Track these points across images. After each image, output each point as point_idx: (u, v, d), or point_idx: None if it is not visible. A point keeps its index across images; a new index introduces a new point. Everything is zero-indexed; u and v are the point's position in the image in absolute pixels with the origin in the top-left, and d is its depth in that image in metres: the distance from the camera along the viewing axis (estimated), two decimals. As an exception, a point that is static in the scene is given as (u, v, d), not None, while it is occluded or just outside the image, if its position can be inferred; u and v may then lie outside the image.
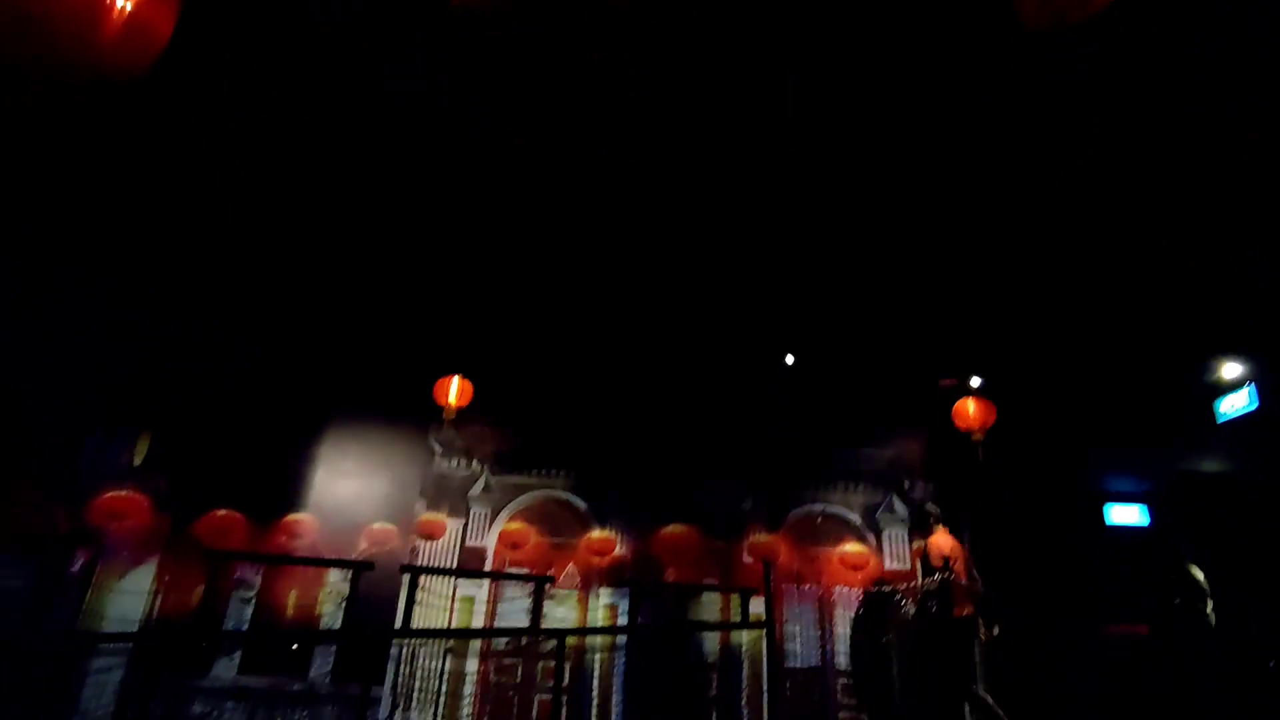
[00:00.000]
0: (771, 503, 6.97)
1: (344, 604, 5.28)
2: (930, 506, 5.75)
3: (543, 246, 5.77)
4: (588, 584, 6.81)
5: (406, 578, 5.56)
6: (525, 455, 7.21)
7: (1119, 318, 6.37)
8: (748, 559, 6.85)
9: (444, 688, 6.13)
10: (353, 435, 7.45)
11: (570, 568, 6.86)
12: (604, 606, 6.70)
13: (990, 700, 4.68)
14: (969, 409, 6.59)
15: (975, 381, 6.54)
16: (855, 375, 6.87)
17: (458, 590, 6.69)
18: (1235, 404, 6.33)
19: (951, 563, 5.30)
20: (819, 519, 6.97)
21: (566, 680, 6.00)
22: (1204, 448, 7.07)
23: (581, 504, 7.12)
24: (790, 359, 6.26)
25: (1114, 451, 7.19)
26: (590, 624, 6.58)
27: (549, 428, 7.15)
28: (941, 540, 5.45)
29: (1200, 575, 5.73)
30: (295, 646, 6.59)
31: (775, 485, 6.94)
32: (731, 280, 6.02)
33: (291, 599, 6.72)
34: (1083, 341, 6.63)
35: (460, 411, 6.93)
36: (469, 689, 6.14)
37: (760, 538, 6.86)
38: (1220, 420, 6.47)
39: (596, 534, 6.93)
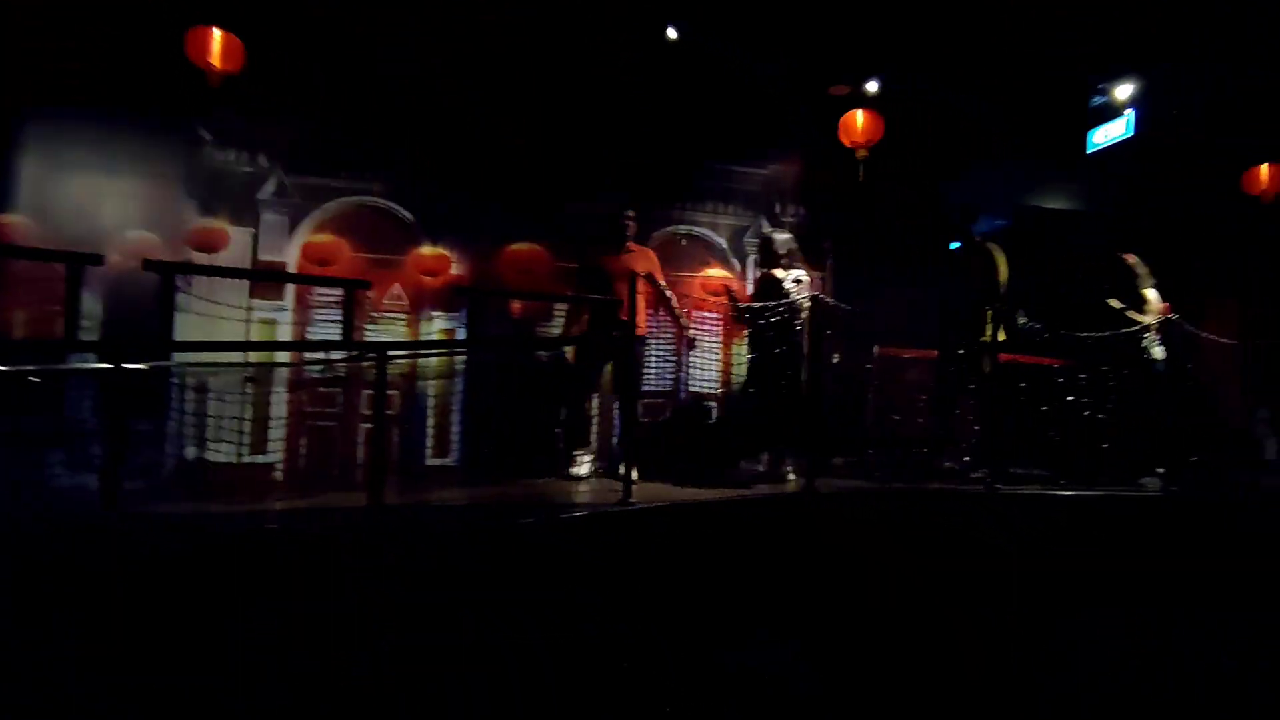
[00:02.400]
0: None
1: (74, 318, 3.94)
2: (779, 237, 5.25)
3: None
4: (418, 308, 5.86)
5: (162, 281, 4.19)
6: (332, 151, 5.66)
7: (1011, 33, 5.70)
8: (605, 281, 6.18)
9: (246, 423, 5.19)
10: (79, 115, 5.40)
11: (395, 288, 5.82)
12: (438, 332, 5.86)
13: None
14: (857, 121, 5.89)
15: (872, 87, 5.78)
16: (738, 72, 5.83)
17: (255, 313, 5.49)
18: (1110, 132, 6.15)
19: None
20: (683, 240, 6.32)
21: (396, 408, 5.32)
22: (1068, 179, 7.05)
23: (408, 215, 5.88)
24: (672, 33, 5.02)
25: (977, 179, 6.97)
26: (423, 351, 5.75)
27: (363, 115, 5.57)
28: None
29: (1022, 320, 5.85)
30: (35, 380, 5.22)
31: (640, 199, 6.08)
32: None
33: (20, 322, 5.19)
34: (974, 54, 5.97)
35: (233, 81, 5.16)
36: (277, 422, 5.26)
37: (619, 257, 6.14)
38: (1090, 150, 6.33)
39: (427, 250, 5.83)
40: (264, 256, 5.62)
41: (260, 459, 5.33)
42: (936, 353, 5.55)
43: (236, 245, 5.55)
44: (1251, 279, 7.43)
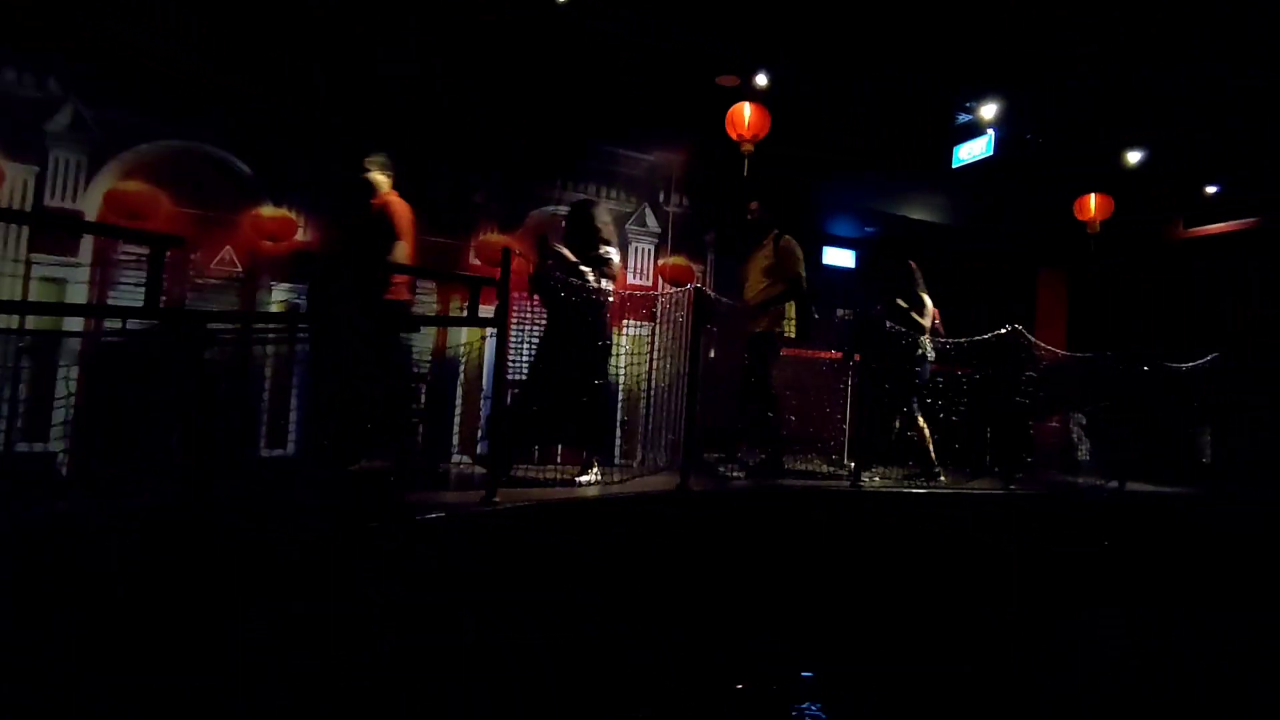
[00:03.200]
0: (508, 197, 5.73)
1: None
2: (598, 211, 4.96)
3: None
4: (255, 276, 5.09)
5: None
6: (149, 82, 4.77)
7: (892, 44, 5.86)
8: (475, 261, 5.69)
9: (22, 395, 4.25)
10: None
11: (226, 251, 5.01)
12: (276, 304, 5.12)
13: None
14: (744, 114, 5.80)
15: (761, 80, 5.70)
16: (629, 49, 5.56)
17: (34, 269, 4.51)
18: (973, 150, 6.50)
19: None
20: (563, 221, 5.95)
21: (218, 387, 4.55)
22: (932, 191, 7.40)
23: (244, 167, 5.09)
24: (560, -5, 4.64)
25: (850, 184, 7.17)
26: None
27: (196, 42, 4.73)
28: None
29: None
30: None
31: (515, 176, 5.66)
32: None
33: None
34: (856, 61, 6.08)
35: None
36: (64, 400, 4.34)
37: (492, 237, 5.68)
38: (954, 165, 6.66)
39: (268, 211, 5.08)
40: (52, 202, 4.64)
41: (39, 448, 4.40)
42: (812, 352, 5.59)
43: (14, 186, 4.54)
44: (1082, 296, 8.21)
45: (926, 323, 5.70)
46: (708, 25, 5.67)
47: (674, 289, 5.40)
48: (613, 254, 4.37)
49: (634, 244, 6.09)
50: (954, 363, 6.09)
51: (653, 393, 5.28)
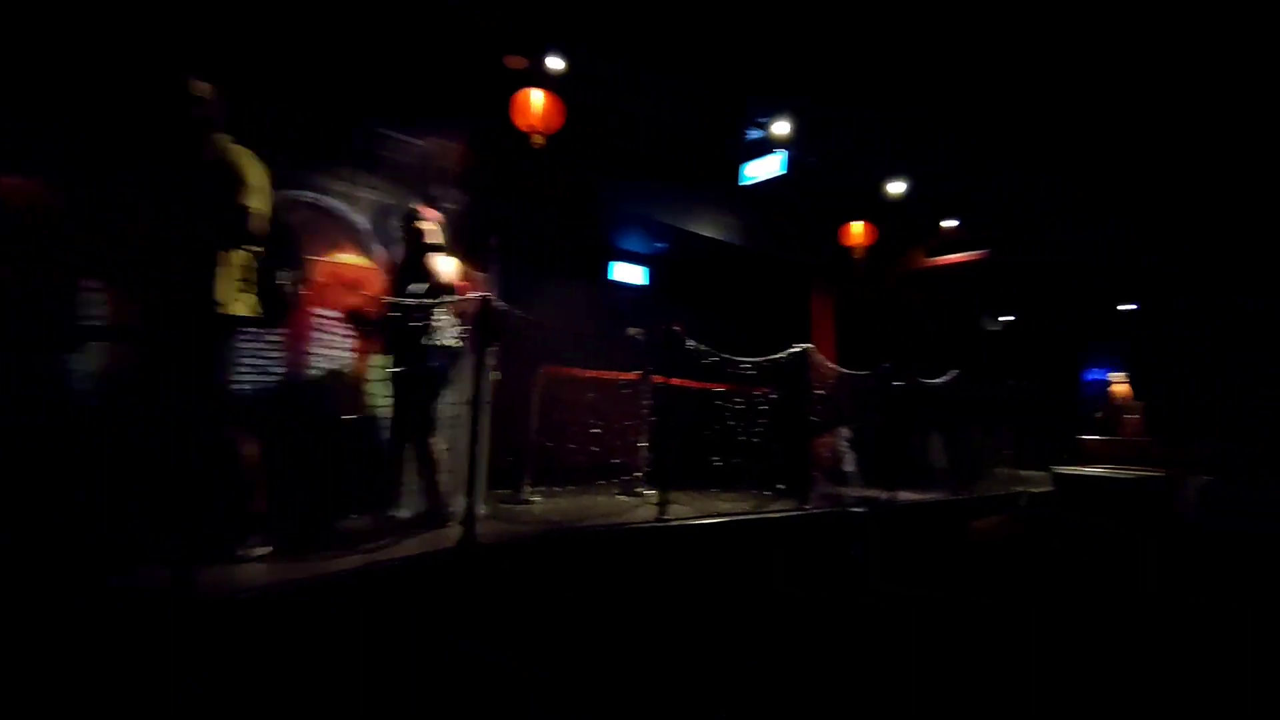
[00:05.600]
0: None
1: None
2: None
3: None
4: None
5: None
6: None
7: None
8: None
9: None
10: None
11: None
12: None
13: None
14: (535, 102, 5.13)
15: (554, 64, 5.06)
16: (398, 13, 4.61)
17: None
18: (763, 169, 6.49)
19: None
20: (311, 213, 4.75)
21: None
22: (720, 212, 7.31)
23: None
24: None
25: (633, 198, 6.82)
26: None
27: None
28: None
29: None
30: None
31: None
32: None
33: None
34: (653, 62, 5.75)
35: None
36: None
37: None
38: (742, 182, 6.61)
39: None
40: None
41: None
42: (616, 374, 5.03)
43: None
44: (847, 317, 8.74)
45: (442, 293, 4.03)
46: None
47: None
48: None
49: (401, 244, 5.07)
50: (751, 383, 5.96)
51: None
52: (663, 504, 4.55)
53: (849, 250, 8.06)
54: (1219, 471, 7.11)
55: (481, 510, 4.00)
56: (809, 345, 5.81)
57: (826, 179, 7.42)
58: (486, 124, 5.21)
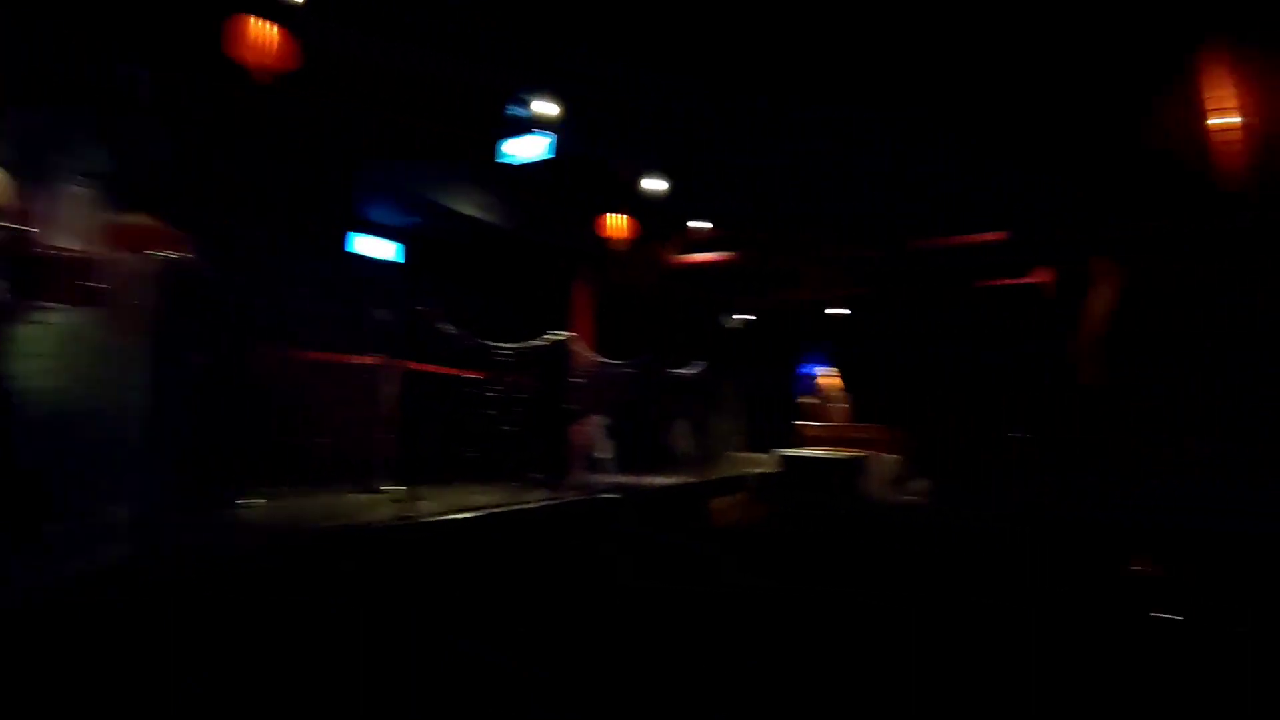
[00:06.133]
0: None
1: None
2: None
3: None
4: None
5: None
6: None
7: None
8: None
9: None
10: None
11: None
12: None
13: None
14: (258, 32, 4.36)
15: (286, -9, 4.27)
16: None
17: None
18: (525, 148, 6.24)
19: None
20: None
21: None
22: (481, 191, 6.88)
23: None
24: None
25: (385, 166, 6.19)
26: None
27: None
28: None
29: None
30: None
31: None
32: None
33: None
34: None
35: None
36: None
37: None
38: (500, 159, 6.29)
39: None
40: None
41: None
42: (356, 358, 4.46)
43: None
44: (606, 307, 8.85)
45: None
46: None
47: (136, 257, 3.60)
48: None
49: (63, 186, 3.93)
50: (509, 370, 5.72)
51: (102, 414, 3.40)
52: (407, 500, 4.13)
53: (610, 241, 8.17)
54: (903, 454, 8.54)
55: (171, 521, 3.24)
56: (570, 333, 5.73)
57: (592, 169, 7.43)
58: (195, 49, 4.27)
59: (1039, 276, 9.11)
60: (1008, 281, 9.23)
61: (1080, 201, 7.46)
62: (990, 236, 8.26)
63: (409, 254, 7.33)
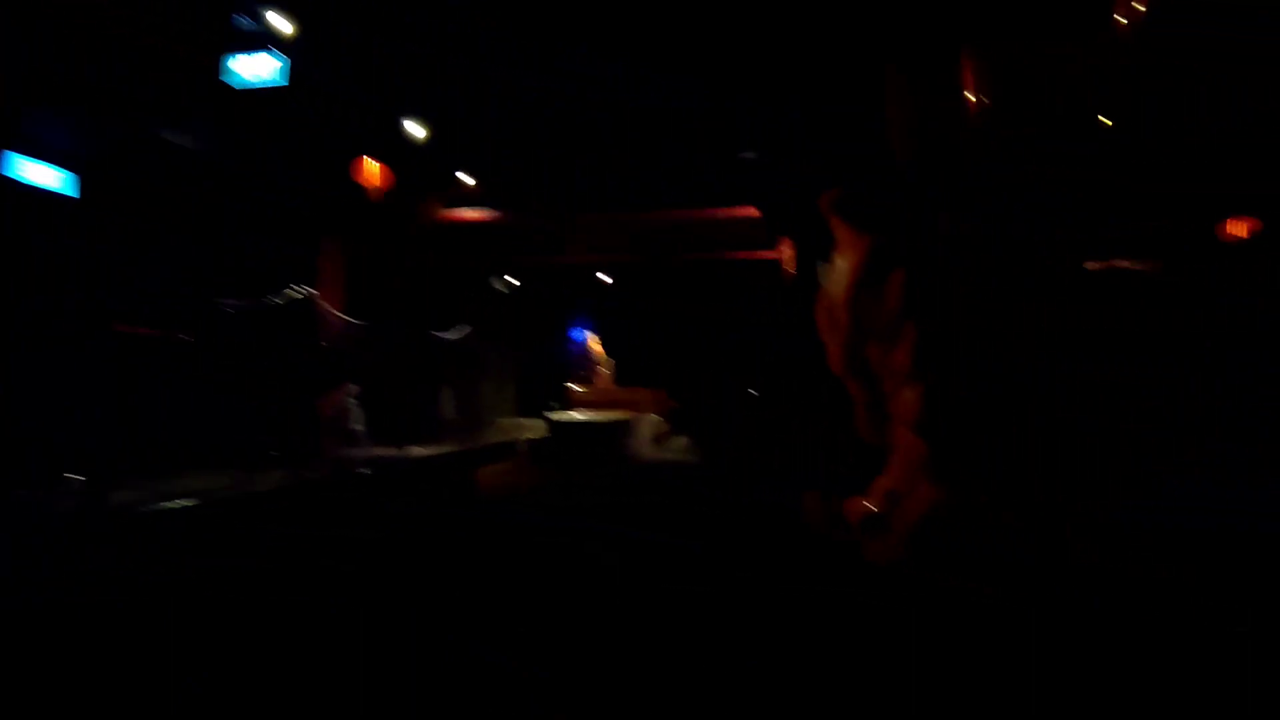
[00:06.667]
0: None
1: None
2: None
3: None
4: None
5: None
6: None
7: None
8: None
9: None
10: None
11: None
12: None
13: None
14: None
15: None
16: None
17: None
18: (257, 70, 5.23)
19: None
20: None
21: None
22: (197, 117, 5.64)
23: None
24: None
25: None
26: None
27: None
28: None
29: None
30: None
31: None
32: None
33: None
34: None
35: None
36: None
37: None
38: (225, 77, 5.20)
39: None
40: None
41: None
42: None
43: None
44: (360, 264, 7.95)
45: None
46: None
47: None
48: None
49: None
50: (233, 331, 4.84)
51: None
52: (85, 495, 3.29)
53: (364, 191, 7.35)
54: (665, 415, 8.95)
55: None
56: (312, 290, 5.03)
57: (340, 104, 6.55)
58: None
59: (780, 250, 9.96)
60: (758, 255, 9.96)
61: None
62: (740, 211, 8.83)
63: (86, 187, 5.76)
